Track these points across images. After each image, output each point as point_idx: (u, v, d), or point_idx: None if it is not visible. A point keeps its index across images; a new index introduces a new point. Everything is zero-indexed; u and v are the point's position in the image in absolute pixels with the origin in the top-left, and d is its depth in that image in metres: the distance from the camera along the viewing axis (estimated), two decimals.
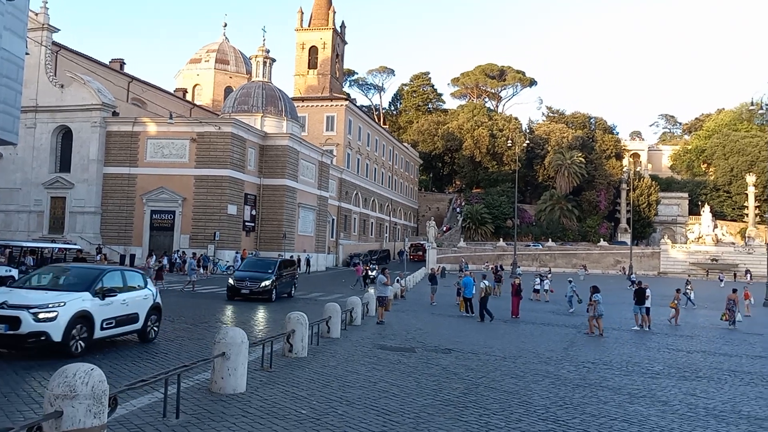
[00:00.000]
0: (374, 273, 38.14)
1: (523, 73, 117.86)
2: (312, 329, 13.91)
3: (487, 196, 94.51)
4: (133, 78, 56.23)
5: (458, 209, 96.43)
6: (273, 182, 50.02)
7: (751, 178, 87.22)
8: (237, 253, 45.07)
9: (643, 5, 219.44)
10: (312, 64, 79.68)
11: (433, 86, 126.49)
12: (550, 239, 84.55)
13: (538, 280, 34.62)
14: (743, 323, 24.99)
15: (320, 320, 15.17)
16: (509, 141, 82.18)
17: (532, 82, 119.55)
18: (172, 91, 66.59)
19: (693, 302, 33.17)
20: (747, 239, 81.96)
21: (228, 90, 74.06)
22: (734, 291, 25.66)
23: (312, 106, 70.14)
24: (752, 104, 44.02)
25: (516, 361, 13.72)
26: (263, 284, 25.04)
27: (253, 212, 49.63)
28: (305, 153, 54.10)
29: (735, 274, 67.62)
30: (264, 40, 57.42)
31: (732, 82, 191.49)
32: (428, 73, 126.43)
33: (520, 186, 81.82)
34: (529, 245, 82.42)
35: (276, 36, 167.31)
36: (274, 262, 27.26)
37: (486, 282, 23.01)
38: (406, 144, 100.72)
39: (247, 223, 48.81)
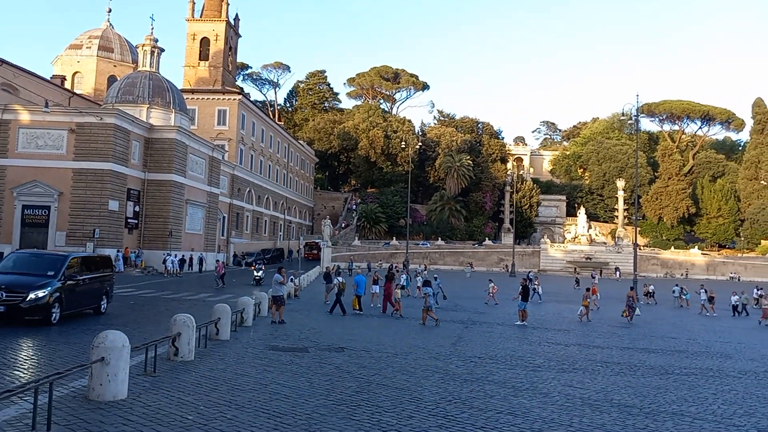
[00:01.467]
0: (260, 273, 37.29)
1: (417, 77, 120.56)
2: (200, 331, 13.38)
3: (382, 195, 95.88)
4: (2, 61, 51.54)
5: (353, 208, 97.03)
6: (159, 177, 47.74)
7: (620, 183, 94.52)
8: (119, 251, 42.59)
9: (526, 20, 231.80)
10: (203, 55, 76.86)
11: (329, 85, 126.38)
12: (439, 238, 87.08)
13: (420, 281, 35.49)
14: (596, 312, 26.99)
15: (209, 322, 14.63)
16: (403, 142, 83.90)
17: (425, 86, 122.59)
18: (49, 78, 61.69)
19: (540, 296, 34.69)
20: (617, 239, 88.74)
21: (112, 79, 69.79)
22: (632, 288, 27.79)
23: (203, 99, 67.72)
24: (623, 115, 47.79)
25: (407, 357, 13.96)
26: (33, 296, 15.42)
27: (137, 208, 47.11)
28: (194, 147, 52.10)
29: (601, 271, 72.60)
30: (152, 28, 54.84)
31: (606, 93, 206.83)
32: (324, 71, 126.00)
33: (413, 186, 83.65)
34: (419, 244, 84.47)
35: (165, 25, 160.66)
36: (60, 258, 17.46)
37: (340, 278, 24.68)
38: (301, 141, 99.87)
39: (129, 220, 46.25)
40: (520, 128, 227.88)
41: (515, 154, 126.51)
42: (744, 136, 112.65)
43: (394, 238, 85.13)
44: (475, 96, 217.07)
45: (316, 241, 74.71)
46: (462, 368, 12.96)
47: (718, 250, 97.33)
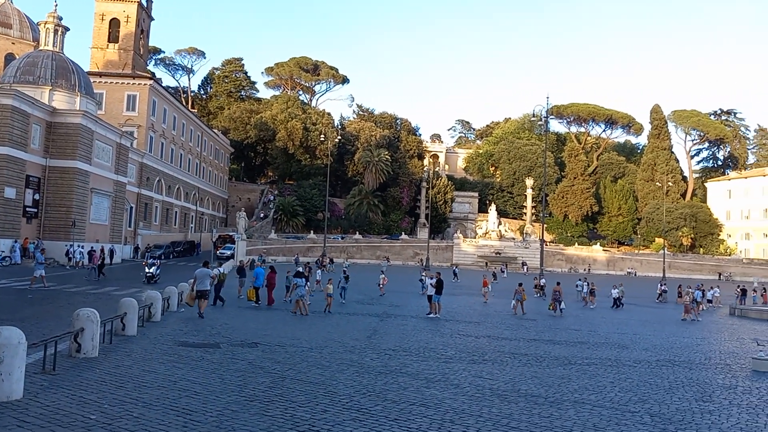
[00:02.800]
0: (152, 270, 32.48)
1: (337, 70, 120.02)
2: (104, 326, 12.78)
3: (300, 188, 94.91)
4: None
5: (270, 200, 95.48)
6: (62, 164, 45.02)
7: (529, 182, 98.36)
8: (16, 242, 39.87)
9: (445, 20, 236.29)
10: (113, 37, 72.97)
11: (246, 73, 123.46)
12: (357, 232, 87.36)
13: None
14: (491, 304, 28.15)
15: (114, 317, 14.00)
16: (322, 135, 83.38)
17: (345, 80, 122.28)
18: None
19: (425, 287, 35.15)
20: (525, 235, 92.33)
21: (9, 57, 64.90)
22: (558, 283, 29.14)
23: (111, 83, 64.37)
24: (533, 116, 49.78)
25: (322, 352, 13.94)
26: None
27: (37, 196, 44.23)
28: (101, 133, 49.50)
29: (507, 264, 75.21)
30: (56, 5, 51.20)
31: (519, 95, 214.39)
32: (242, 59, 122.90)
33: (332, 180, 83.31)
34: (337, 238, 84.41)
35: (71, 3, 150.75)
36: None
37: (221, 270, 24.84)
38: (216, 131, 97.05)
39: (28, 209, 43.37)
40: (437, 126, 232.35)
41: (432, 151, 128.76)
42: (643, 140, 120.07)
43: (312, 231, 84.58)
44: (394, 92, 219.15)
45: (230, 234, 72.96)
46: (377, 361, 13.09)
47: (618, 247, 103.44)
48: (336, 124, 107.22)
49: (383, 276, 33.35)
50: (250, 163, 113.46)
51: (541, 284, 39.28)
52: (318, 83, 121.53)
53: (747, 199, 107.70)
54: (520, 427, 8.38)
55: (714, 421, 9.23)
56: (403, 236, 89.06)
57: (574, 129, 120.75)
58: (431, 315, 23.12)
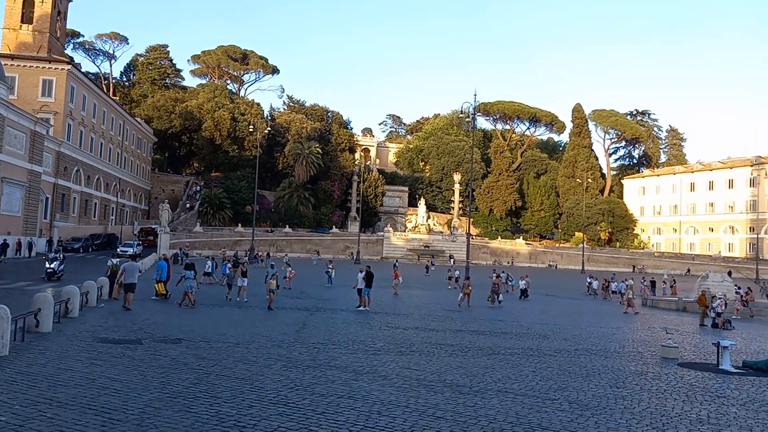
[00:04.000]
0: (54, 265, 29.62)
1: (267, 60, 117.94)
2: (16, 323, 12.10)
3: (227, 180, 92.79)
4: None
5: (196, 192, 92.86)
6: None
7: (457, 177, 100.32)
8: None
9: (378, 15, 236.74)
10: (27, 18, 68.66)
11: (171, 61, 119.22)
12: (287, 225, 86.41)
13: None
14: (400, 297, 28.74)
15: (27, 313, 13.28)
16: (251, 126, 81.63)
17: (275, 70, 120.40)
18: None
19: (332, 281, 34.80)
20: (452, 229, 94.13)
21: None
22: (497, 276, 30.07)
23: (25, 66, 60.68)
24: (461, 112, 50.73)
25: (249, 347, 13.74)
26: None
27: None
28: (13, 119, 46.62)
29: (434, 257, 76.48)
30: None
31: (448, 91, 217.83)
32: (167, 46, 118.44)
33: (261, 172, 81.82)
34: (267, 231, 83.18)
35: None
36: None
37: (114, 261, 24.58)
38: (139, 119, 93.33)
39: None
40: (369, 120, 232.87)
41: (363, 145, 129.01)
42: (564, 137, 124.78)
43: (240, 224, 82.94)
44: (326, 85, 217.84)
45: (153, 226, 70.53)
46: (305, 355, 13.04)
47: (540, 241, 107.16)
48: (266, 115, 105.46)
49: (290, 269, 33.42)
50: (175, 154, 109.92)
51: (456, 276, 40.04)
52: (247, 73, 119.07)
53: (659, 196, 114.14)
54: (446, 416, 8.57)
55: (626, 406, 9.75)
56: (334, 230, 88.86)
57: (500, 126, 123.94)
58: (361, 308, 23.22)
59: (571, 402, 9.89)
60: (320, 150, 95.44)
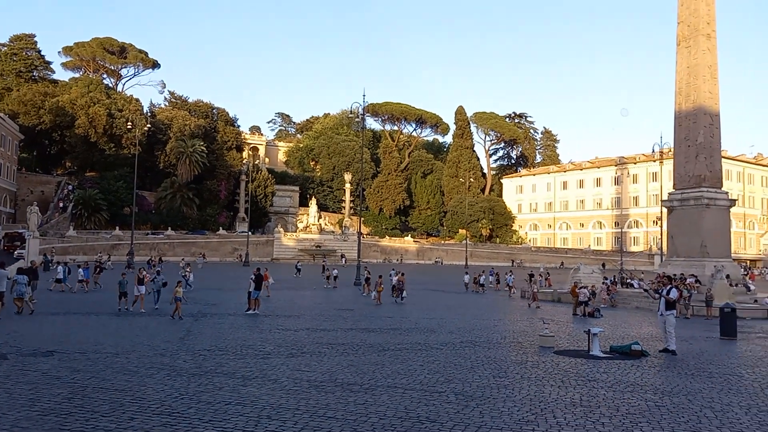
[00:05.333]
0: None
1: (146, 54, 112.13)
2: None
3: (103, 180, 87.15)
4: None
5: (69, 192, 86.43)
6: None
7: (348, 176, 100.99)
8: None
9: (265, 13, 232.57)
10: None
11: (39, 52, 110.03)
12: (170, 227, 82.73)
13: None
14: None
15: None
16: (129, 123, 77.22)
17: (156, 64, 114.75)
18: None
19: (191, 285, 33.21)
20: (344, 228, 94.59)
21: None
22: (402, 274, 31.11)
23: None
24: (351, 113, 51.06)
25: (129, 357, 13.04)
26: None
27: None
28: None
29: (324, 256, 76.59)
30: None
31: (337, 91, 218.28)
32: (34, 35, 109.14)
33: (140, 172, 77.55)
34: (148, 234, 79.14)
35: None
36: None
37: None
38: (2, 114, 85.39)
39: None
40: (257, 118, 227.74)
41: (251, 143, 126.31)
42: (449, 139, 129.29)
43: (118, 227, 78.29)
44: (212, 81, 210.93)
45: (20, 231, 64.87)
46: (190, 362, 12.57)
47: (427, 238, 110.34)
48: (145, 111, 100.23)
49: (144, 273, 31.84)
50: (45, 152, 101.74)
51: (334, 275, 40.01)
52: (125, 67, 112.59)
53: (535, 194, 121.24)
54: (336, 416, 8.61)
55: (508, 395, 10.27)
56: (221, 231, 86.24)
57: (388, 127, 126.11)
58: (250, 311, 22.74)
59: (457, 393, 10.26)
60: (205, 148, 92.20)
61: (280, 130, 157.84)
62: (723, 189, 35.81)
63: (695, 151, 34.61)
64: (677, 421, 8.75)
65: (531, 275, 46.17)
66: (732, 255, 38.25)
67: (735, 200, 38.59)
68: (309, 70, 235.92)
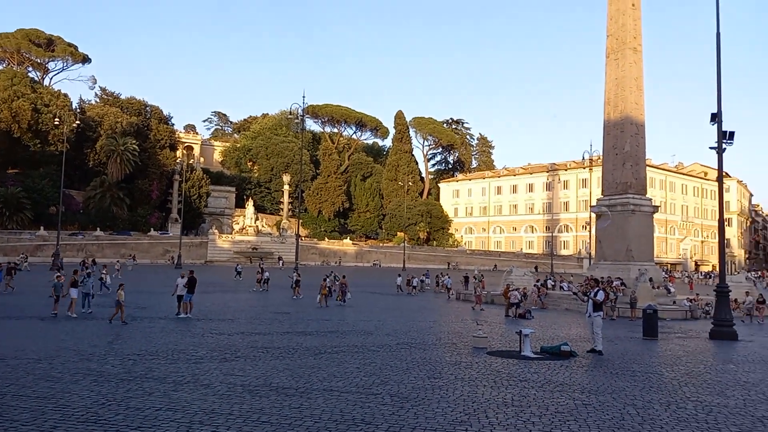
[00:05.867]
0: None
1: (76, 48, 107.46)
2: None
3: (27, 178, 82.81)
4: None
5: None
6: None
7: (286, 178, 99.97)
8: None
9: (198, 9, 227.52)
10: None
11: None
12: (98, 228, 79.56)
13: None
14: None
15: None
16: (56, 119, 73.73)
17: (86, 59, 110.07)
18: None
19: (108, 287, 32.56)
20: (281, 230, 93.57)
21: None
22: (344, 276, 30.99)
23: None
24: (290, 113, 50.63)
25: (53, 362, 12.47)
26: None
27: None
28: None
29: (261, 259, 75.49)
30: None
31: (277, 91, 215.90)
32: None
33: (68, 170, 74.09)
34: (75, 234, 75.80)
35: None
36: None
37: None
38: None
39: None
40: (192, 116, 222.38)
41: (186, 142, 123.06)
42: (388, 142, 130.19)
43: (43, 227, 74.62)
44: (145, 77, 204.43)
45: None
46: (119, 367, 12.15)
47: (365, 241, 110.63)
48: (75, 107, 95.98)
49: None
50: None
51: (265, 278, 39.34)
52: (53, 60, 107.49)
53: (470, 199, 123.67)
54: (271, 420, 8.52)
55: (443, 396, 10.43)
56: (152, 232, 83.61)
57: (328, 129, 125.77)
58: (181, 315, 22.15)
59: (392, 395, 10.34)
60: (137, 146, 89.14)
61: (216, 130, 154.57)
62: (647, 196, 37.60)
63: (622, 159, 36.17)
64: (602, 419, 9.13)
65: (466, 278, 47.02)
66: (654, 259, 40.17)
67: (658, 207, 40.51)
68: (247, 68, 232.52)
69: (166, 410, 8.86)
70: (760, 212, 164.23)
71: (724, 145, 21.76)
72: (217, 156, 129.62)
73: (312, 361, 13.62)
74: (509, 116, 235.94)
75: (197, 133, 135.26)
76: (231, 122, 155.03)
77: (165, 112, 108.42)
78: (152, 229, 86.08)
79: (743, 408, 10.15)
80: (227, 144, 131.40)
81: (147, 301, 28.00)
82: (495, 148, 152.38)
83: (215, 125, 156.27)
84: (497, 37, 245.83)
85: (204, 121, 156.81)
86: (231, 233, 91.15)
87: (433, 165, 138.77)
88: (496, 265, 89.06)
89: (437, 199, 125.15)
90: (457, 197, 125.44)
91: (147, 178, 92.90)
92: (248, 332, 18.81)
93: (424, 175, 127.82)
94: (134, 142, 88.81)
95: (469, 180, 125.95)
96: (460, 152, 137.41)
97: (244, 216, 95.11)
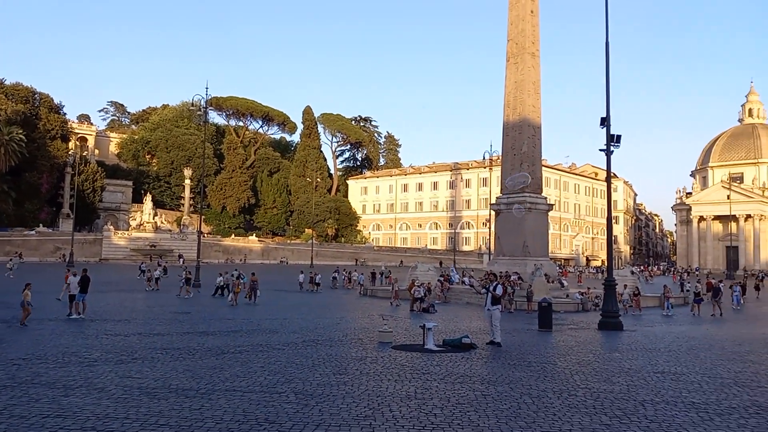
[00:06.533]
0: None
1: None
2: None
3: None
4: None
5: None
6: None
7: (188, 172, 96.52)
8: None
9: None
10: None
11: None
12: None
13: None
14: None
15: None
16: None
17: None
18: None
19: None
20: (182, 227, 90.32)
21: None
22: (253, 274, 30.80)
23: None
24: (192, 105, 48.90)
25: None
26: None
27: None
28: None
29: (161, 256, 73.00)
30: None
31: (178, 81, 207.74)
32: None
33: None
34: None
35: None
36: None
37: None
38: None
39: None
40: (86, 106, 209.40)
41: (79, 133, 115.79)
42: (296, 138, 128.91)
43: None
44: (34, 62, 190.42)
45: None
46: (1, 373, 11.30)
47: (272, 237, 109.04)
48: None
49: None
50: None
51: (155, 276, 37.97)
52: None
53: (378, 195, 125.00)
54: (170, 423, 8.24)
55: (348, 391, 10.50)
56: (41, 228, 78.19)
57: (233, 122, 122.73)
58: (73, 316, 20.89)
59: (297, 393, 10.29)
60: (24, 137, 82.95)
61: (113, 120, 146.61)
62: (543, 195, 39.53)
63: (520, 160, 37.81)
64: (500, 408, 9.54)
65: (373, 273, 47.51)
66: (549, 254, 42.33)
67: (553, 205, 42.70)
68: (147, 58, 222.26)
69: (55, 417, 8.35)
70: (644, 211, 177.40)
71: (611, 148, 23.26)
72: (113, 148, 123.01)
73: (214, 362, 13.28)
74: (416, 116, 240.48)
75: (92, 124, 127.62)
76: (129, 113, 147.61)
77: (56, 101, 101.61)
78: (41, 225, 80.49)
79: (627, 393, 10.94)
80: (124, 136, 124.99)
81: (35, 302, 26.13)
82: (402, 146, 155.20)
83: (112, 116, 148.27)
84: (405, 38, 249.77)
85: (99, 111, 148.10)
86: (128, 230, 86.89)
87: (342, 162, 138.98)
88: (402, 261, 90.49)
89: (345, 195, 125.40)
90: (365, 194, 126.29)
91: (36, 170, 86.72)
92: (146, 333, 18.05)
93: (332, 171, 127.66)
94: (21, 131, 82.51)
95: (377, 177, 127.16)
96: (369, 150, 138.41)
97: (142, 212, 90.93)
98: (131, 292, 34.35)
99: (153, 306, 26.54)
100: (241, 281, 30.77)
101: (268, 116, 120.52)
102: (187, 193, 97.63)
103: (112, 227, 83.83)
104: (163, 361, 13.25)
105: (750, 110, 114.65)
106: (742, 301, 37.30)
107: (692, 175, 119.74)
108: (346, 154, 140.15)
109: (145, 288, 36.41)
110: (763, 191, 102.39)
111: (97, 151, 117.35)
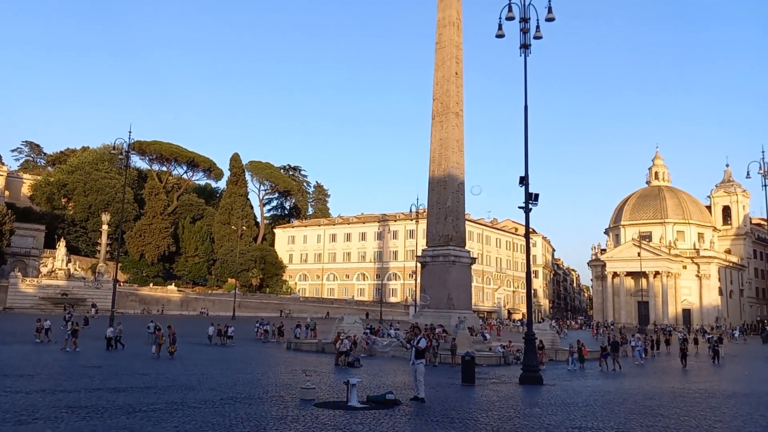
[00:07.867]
0: None
1: None
2: None
3: None
4: None
5: None
6: None
7: (106, 217, 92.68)
8: None
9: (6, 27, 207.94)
10: None
11: None
12: None
13: None
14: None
15: None
16: None
17: None
18: None
19: None
20: (97, 275, 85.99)
21: None
22: (169, 326, 29.50)
23: None
24: (114, 148, 47.45)
25: None
26: None
27: None
28: None
29: (72, 306, 69.22)
30: None
31: (99, 123, 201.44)
32: None
33: None
34: None
35: None
36: None
37: None
38: None
39: None
40: None
41: None
42: (222, 184, 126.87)
43: None
44: None
45: None
46: None
47: (193, 287, 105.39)
48: None
49: None
50: None
51: (45, 327, 35.51)
52: None
53: (305, 245, 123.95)
54: None
55: None
56: None
57: (156, 167, 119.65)
58: None
59: None
60: None
61: (27, 161, 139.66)
62: (466, 248, 40.46)
63: (444, 214, 38.72)
64: None
65: (298, 325, 46.67)
66: (473, 307, 43.04)
67: (476, 258, 43.74)
68: (67, 95, 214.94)
69: None
70: (562, 266, 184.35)
71: (530, 206, 24.27)
72: (25, 190, 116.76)
73: (124, 421, 12.53)
74: (346, 166, 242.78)
75: (3, 164, 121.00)
76: (45, 154, 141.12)
77: None
78: None
79: None
80: (39, 177, 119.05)
81: None
82: (331, 196, 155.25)
83: (26, 156, 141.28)
84: (337, 88, 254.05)
85: (12, 150, 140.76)
86: (38, 276, 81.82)
87: (269, 210, 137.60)
88: (328, 312, 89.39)
89: (272, 244, 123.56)
90: (292, 243, 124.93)
91: None
92: (51, 390, 16.86)
93: (259, 219, 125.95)
94: None
95: (305, 227, 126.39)
96: (297, 199, 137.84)
97: (55, 258, 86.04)
98: (34, 344, 32.12)
99: (61, 359, 24.89)
100: (161, 333, 29.56)
101: (194, 162, 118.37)
102: (104, 239, 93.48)
103: (19, 273, 78.78)
104: (67, 421, 12.38)
105: (656, 173, 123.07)
106: (643, 355, 39.06)
107: (606, 232, 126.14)
108: (274, 203, 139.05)
109: (35, 340, 34.03)
110: (669, 249, 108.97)
111: (7, 193, 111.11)
